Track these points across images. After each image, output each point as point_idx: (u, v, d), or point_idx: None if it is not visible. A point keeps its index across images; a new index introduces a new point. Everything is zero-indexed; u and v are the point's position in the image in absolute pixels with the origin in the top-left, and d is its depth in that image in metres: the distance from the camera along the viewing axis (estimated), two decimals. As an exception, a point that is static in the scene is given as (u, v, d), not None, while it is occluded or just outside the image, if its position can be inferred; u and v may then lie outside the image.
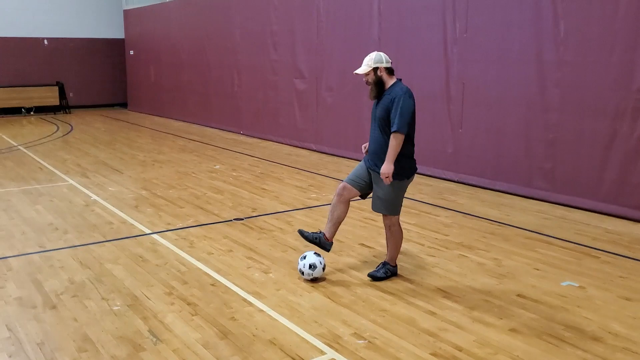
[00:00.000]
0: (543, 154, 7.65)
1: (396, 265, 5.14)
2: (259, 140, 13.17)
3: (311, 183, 8.84)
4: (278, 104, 12.71)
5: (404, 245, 5.86)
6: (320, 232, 5.15)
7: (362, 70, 4.83)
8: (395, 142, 4.67)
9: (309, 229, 6.37)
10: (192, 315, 4.29)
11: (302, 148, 11.98)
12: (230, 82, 14.43)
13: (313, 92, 11.63)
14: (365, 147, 5.11)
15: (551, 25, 7.39)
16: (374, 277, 5.02)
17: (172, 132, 14.61)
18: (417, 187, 8.45)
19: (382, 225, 6.44)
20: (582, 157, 7.25)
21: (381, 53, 4.85)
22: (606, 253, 5.72)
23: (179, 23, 16.60)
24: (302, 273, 4.94)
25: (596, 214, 7.05)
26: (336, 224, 5.11)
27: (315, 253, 4.99)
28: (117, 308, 4.41)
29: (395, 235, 5.03)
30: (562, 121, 7.40)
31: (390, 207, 4.91)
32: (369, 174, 4.99)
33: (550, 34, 7.42)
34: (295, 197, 7.91)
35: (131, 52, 19.67)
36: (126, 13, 19.73)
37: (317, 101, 11.55)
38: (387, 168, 4.68)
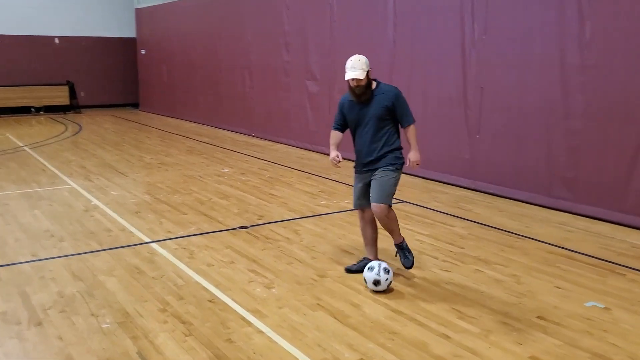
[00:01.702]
0: (565, 162, 7.26)
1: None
2: (270, 143, 12.88)
3: (322, 189, 8.52)
4: (290, 105, 12.41)
5: (417, 259, 5.49)
6: (364, 258, 5.24)
7: (361, 75, 4.80)
8: (415, 132, 4.99)
9: (316, 239, 6.07)
10: (186, 335, 3.98)
11: (314, 151, 11.66)
12: (241, 83, 14.16)
13: (326, 94, 11.31)
14: (340, 157, 5.09)
15: (576, 26, 7.00)
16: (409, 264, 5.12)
17: (182, 134, 14.36)
18: (432, 195, 8.10)
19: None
20: (607, 166, 6.85)
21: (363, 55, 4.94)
22: (633, 270, 5.33)
23: (191, 22, 16.37)
24: (365, 281, 4.80)
25: (622, 227, 6.64)
26: (374, 243, 5.21)
27: (385, 269, 4.74)
28: (106, 326, 4.11)
29: (393, 219, 5.02)
30: (586, 128, 7.01)
31: (387, 194, 4.91)
32: (368, 184, 4.99)
33: (574, 35, 7.02)
34: (304, 204, 7.59)
35: (143, 52, 19.48)
36: (138, 12, 19.54)
37: (329, 103, 11.22)
38: (417, 156, 4.98)
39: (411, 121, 4.94)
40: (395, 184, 4.95)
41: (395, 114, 4.92)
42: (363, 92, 4.85)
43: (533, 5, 7.48)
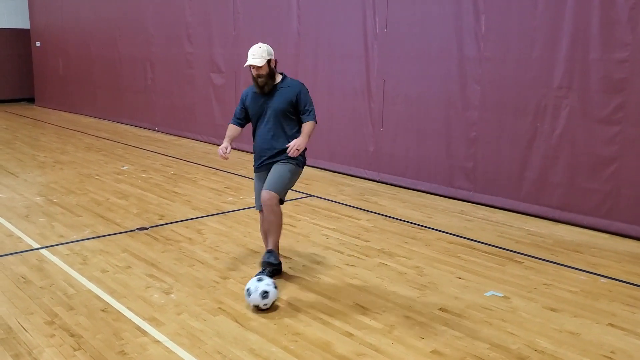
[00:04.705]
0: (464, 153, 7.44)
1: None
2: (175, 138, 12.48)
3: (228, 185, 8.31)
4: (195, 99, 12.06)
5: (323, 254, 5.48)
6: (271, 256, 4.81)
7: (260, 62, 4.63)
8: (312, 129, 4.77)
9: (221, 238, 5.88)
10: (75, 349, 3.71)
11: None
12: (143, 76, 13.63)
13: (231, 87, 11.06)
14: (228, 150, 4.77)
15: (472, 20, 7.16)
16: (271, 264, 4.74)
17: (80, 129, 13.65)
18: (339, 188, 8.09)
19: (299, 232, 6.12)
20: (503, 155, 7.07)
21: (268, 45, 4.78)
22: (530, 257, 5.52)
23: (89, 12, 15.58)
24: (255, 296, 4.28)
25: (518, 215, 6.88)
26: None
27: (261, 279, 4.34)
28: (-15, 344, 3.78)
29: (278, 215, 4.74)
30: (483, 119, 7.20)
31: (283, 185, 4.72)
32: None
33: (471, 29, 7.19)
34: (209, 202, 7.36)
35: (38, 44, 18.37)
36: (31, 2, 18.40)
37: (235, 96, 10.98)
38: (302, 142, 4.66)
39: (312, 119, 4.76)
40: (293, 178, 4.78)
41: (298, 109, 4.77)
42: (265, 82, 4.70)
43: (431, -2, 7.60)
